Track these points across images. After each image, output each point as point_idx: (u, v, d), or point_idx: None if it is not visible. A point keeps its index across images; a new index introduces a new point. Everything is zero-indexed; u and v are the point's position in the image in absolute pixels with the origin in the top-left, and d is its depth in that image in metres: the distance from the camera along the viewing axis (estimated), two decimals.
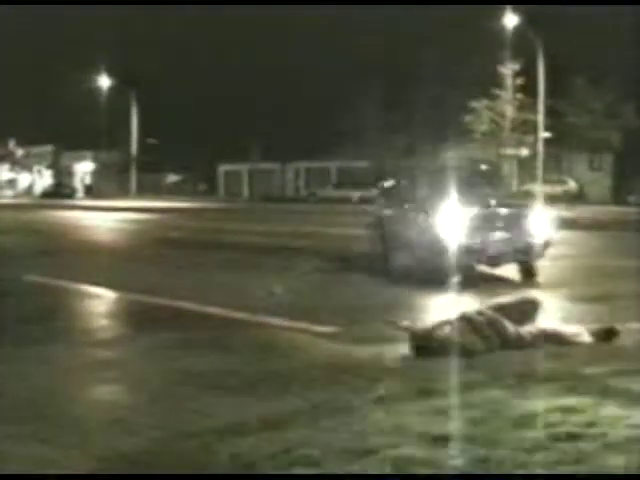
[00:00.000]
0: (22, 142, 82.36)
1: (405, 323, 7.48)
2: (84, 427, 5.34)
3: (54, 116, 70.88)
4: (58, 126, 71.74)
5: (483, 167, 19.23)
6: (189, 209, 45.33)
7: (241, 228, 26.12)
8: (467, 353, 7.23)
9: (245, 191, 70.40)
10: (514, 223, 13.03)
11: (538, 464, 4.42)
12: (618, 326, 8.01)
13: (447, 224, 12.37)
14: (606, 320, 8.29)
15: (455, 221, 12.51)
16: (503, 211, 13.43)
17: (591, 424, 5.07)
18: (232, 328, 8.72)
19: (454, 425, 5.07)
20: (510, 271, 13.25)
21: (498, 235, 12.91)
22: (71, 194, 75.50)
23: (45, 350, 7.56)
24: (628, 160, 48.78)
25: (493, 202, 14.08)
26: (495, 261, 12.98)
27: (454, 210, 12.56)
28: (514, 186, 34.42)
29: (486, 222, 12.94)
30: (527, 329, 7.71)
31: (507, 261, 12.99)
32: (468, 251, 12.55)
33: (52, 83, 68.85)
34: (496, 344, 7.46)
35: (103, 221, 33.51)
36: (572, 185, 52.24)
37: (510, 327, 7.63)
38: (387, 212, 14.66)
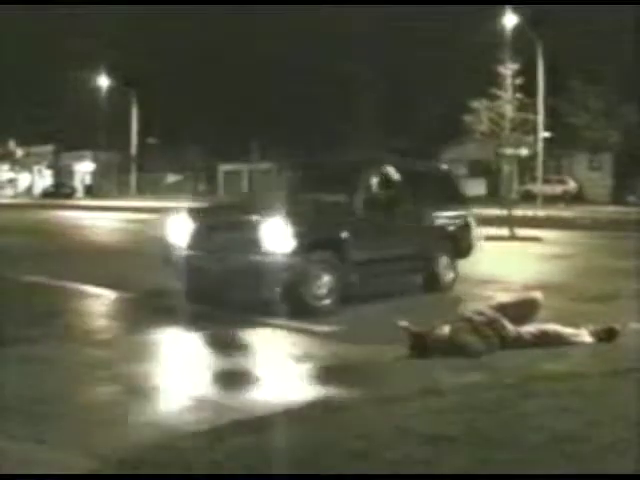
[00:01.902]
0: (22, 142, 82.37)
1: (404, 323, 7.47)
2: (83, 427, 5.34)
3: (54, 116, 70.90)
4: (58, 126, 71.76)
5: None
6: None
7: None
8: (467, 353, 7.23)
9: (245, 191, 70.37)
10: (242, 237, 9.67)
11: (538, 464, 4.41)
12: (618, 326, 8.02)
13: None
14: (606, 320, 8.29)
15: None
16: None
17: (591, 424, 5.07)
18: (229, 326, 8.72)
19: (454, 425, 5.06)
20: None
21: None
22: (71, 194, 75.55)
23: (44, 349, 7.56)
24: (628, 160, 48.78)
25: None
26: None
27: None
28: (514, 186, 34.42)
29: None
30: (527, 329, 7.71)
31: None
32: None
33: (52, 83, 68.88)
34: (496, 344, 7.47)
35: (102, 221, 33.50)
36: (572, 185, 52.29)
37: (510, 327, 7.64)
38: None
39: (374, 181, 10.90)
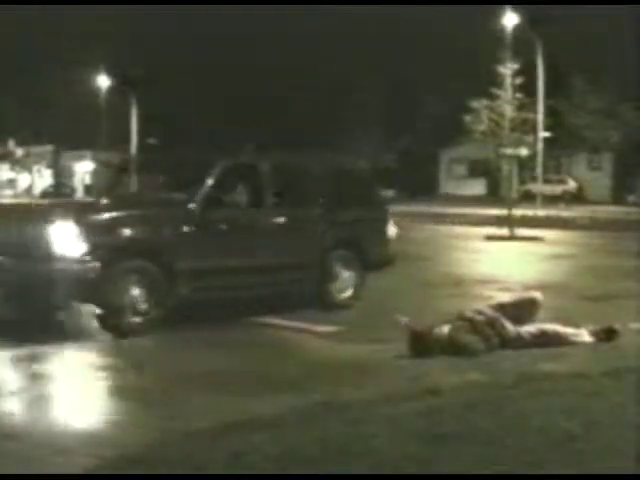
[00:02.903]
0: (22, 142, 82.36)
1: (405, 319, 7.47)
2: (85, 427, 5.35)
3: (54, 116, 70.89)
4: (58, 126, 71.74)
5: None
6: None
7: None
8: (467, 352, 7.24)
9: None
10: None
11: (538, 464, 4.41)
12: (618, 326, 8.02)
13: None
14: (606, 320, 8.29)
15: None
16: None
17: (591, 424, 5.07)
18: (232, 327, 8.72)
19: (453, 425, 5.06)
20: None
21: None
22: (70, 194, 75.52)
23: (45, 349, 7.56)
24: (628, 160, 48.79)
25: None
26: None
27: None
28: (514, 186, 34.43)
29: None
30: (527, 329, 7.72)
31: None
32: None
33: (52, 83, 68.87)
34: (496, 344, 7.47)
35: None
36: (572, 185, 52.28)
37: (510, 327, 7.64)
38: None
39: (225, 180, 9.15)
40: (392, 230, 10.94)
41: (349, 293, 10.20)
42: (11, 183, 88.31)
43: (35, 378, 6.70)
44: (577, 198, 49.41)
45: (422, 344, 7.26)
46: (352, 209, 10.40)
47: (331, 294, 10.02)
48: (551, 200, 43.68)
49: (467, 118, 27.99)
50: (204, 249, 8.86)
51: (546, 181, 47.12)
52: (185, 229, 8.72)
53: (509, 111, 26.42)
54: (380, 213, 10.94)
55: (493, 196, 43.14)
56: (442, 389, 5.93)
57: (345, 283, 10.16)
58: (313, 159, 11.09)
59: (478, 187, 54.26)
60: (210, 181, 9.00)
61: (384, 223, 10.86)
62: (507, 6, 41.55)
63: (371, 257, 10.43)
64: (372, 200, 10.96)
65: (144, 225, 8.58)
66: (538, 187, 44.03)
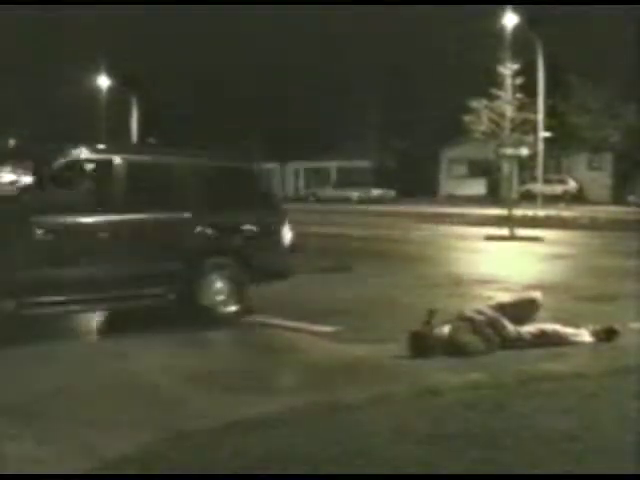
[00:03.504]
0: (22, 142, 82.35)
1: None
2: (86, 426, 5.35)
3: (54, 116, 70.94)
4: (58, 126, 71.78)
5: None
6: None
7: None
8: (467, 353, 7.24)
9: None
10: None
11: (538, 464, 4.42)
12: (618, 326, 8.03)
13: None
14: (606, 320, 8.29)
15: None
16: None
17: (591, 424, 5.07)
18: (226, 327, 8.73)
19: (453, 425, 5.06)
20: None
21: None
22: None
23: (46, 348, 7.56)
24: (628, 160, 48.76)
25: None
26: None
27: None
28: (514, 186, 34.46)
29: None
30: (527, 329, 7.73)
31: None
32: None
33: (52, 83, 68.93)
34: (496, 344, 7.48)
35: None
36: (572, 185, 52.26)
37: (510, 327, 7.65)
38: None
39: (64, 178, 8.10)
40: (288, 236, 9.72)
41: (231, 307, 9.09)
42: (12, 185, 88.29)
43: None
44: (577, 198, 49.38)
45: (422, 344, 7.26)
46: (233, 212, 9.31)
47: (205, 308, 8.89)
48: (551, 200, 43.67)
49: (467, 118, 28.04)
50: (32, 259, 7.68)
51: (546, 181, 47.08)
52: (7, 235, 7.61)
53: (509, 111, 26.44)
54: (271, 217, 9.72)
55: (493, 196, 43.14)
56: (442, 389, 5.93)
57: (223, 295, 9.06)
58: (184, 156, 9.58)
59: (478, 187, 54.25)
60: (41, 180, 8.01)
61: (276, 228, 9.66)
62: (507, 6, 41.57)
63: (257, 265, 9.28)
64: (261, 202, 9.72)
65: None
66: (538, 187, 44.01)
